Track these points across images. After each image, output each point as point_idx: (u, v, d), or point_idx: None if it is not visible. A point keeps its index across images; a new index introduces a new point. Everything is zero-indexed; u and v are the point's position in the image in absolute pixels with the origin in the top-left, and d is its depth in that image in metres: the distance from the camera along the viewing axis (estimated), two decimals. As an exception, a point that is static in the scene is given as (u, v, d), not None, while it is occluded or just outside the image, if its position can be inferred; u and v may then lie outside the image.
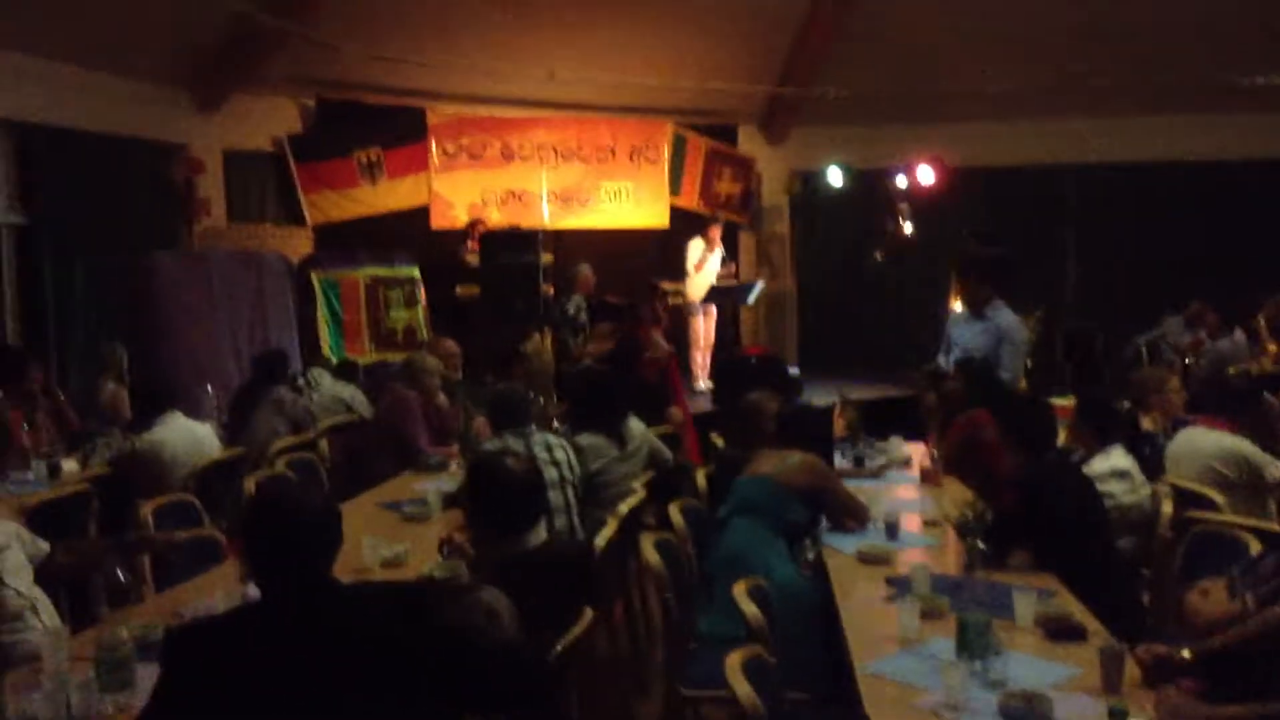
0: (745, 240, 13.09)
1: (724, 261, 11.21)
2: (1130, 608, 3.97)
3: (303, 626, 2.46)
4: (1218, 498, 4.69)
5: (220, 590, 3.59)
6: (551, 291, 10.75)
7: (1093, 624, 3.31)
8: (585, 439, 5.31)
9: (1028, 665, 3.02)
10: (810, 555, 4.44)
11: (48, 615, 3.52)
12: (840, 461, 5.73)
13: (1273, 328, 10.31)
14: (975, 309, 6.46)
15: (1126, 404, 5.57)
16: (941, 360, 6.57)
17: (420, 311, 10.21)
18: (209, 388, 7.47)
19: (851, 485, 4.98)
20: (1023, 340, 6.55)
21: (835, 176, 12.30)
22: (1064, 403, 6.45)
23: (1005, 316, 6.38)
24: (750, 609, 3.45)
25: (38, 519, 4.42)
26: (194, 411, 6.55)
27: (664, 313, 9.57)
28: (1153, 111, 12.14)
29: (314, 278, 9.69)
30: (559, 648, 3.08)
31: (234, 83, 10.47)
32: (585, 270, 9.45)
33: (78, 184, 8.91)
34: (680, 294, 11.26)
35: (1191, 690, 2.50)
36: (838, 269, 13.19)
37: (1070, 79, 11.68)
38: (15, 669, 3.10)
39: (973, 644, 3.01)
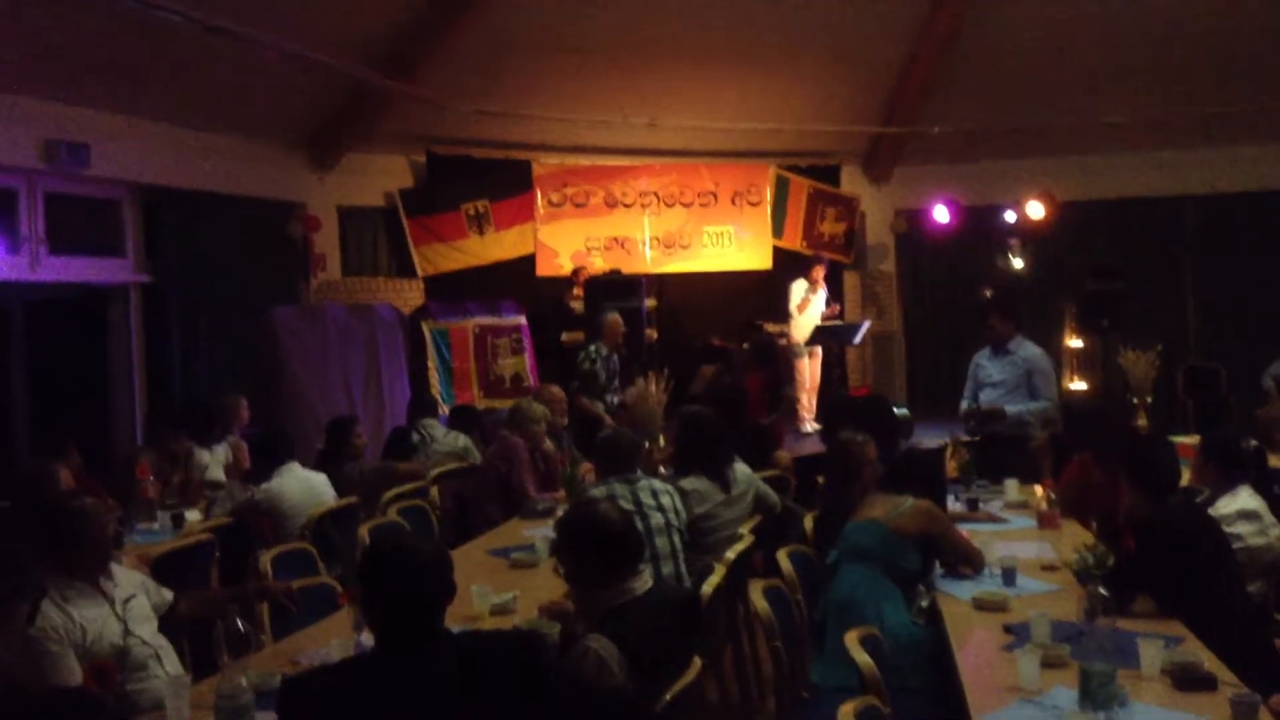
0: (850, 280, 12.99)
1: (828, 302, 11.13)
2: (1263, 655, 3.78)
3: (416, 675, 2.49)
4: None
5: (335, 638, 3.66)
6: (655, 336, 10.81)
7: (1223, 673, 3.16)
8: (690, 483, 5.29)
9: (1155, 716, 2.90)
10: (924, 602, 4.33)
11: (171, 664, 3.63)
12: (953, 505, 5.60)
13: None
14: (998, 346, 6.87)
15: (1253, 442, 5.34)
16: (966, 404, 6.90)
17: (526, 359, 10.35)
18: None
19: (965, 529, 4.86)
20: (1050, 367, 6.92)
21: (941, 214, 12.15)
22: (1187, 441, 6.21)
23: (1028, 349, 6.84)
24: (863, 658, 3.38)
25: (163, 568, 4.58)
26: (311, 461, 6.72)
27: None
28: (1273, 140, 11.69)
29: (425, 328, 9.92)
30: (668, 696, 3.06)
31: (348, 142, 10.84)
32: (613, 318, 8.95)
33: (201, 243, 9.29)
34: (785, 335, 11.21)
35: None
36: (946, 307, 12.97)
37: (1182, 108, 11.35)
38: (141, 716, 3.20)
39: (1096, 694, 2.90)
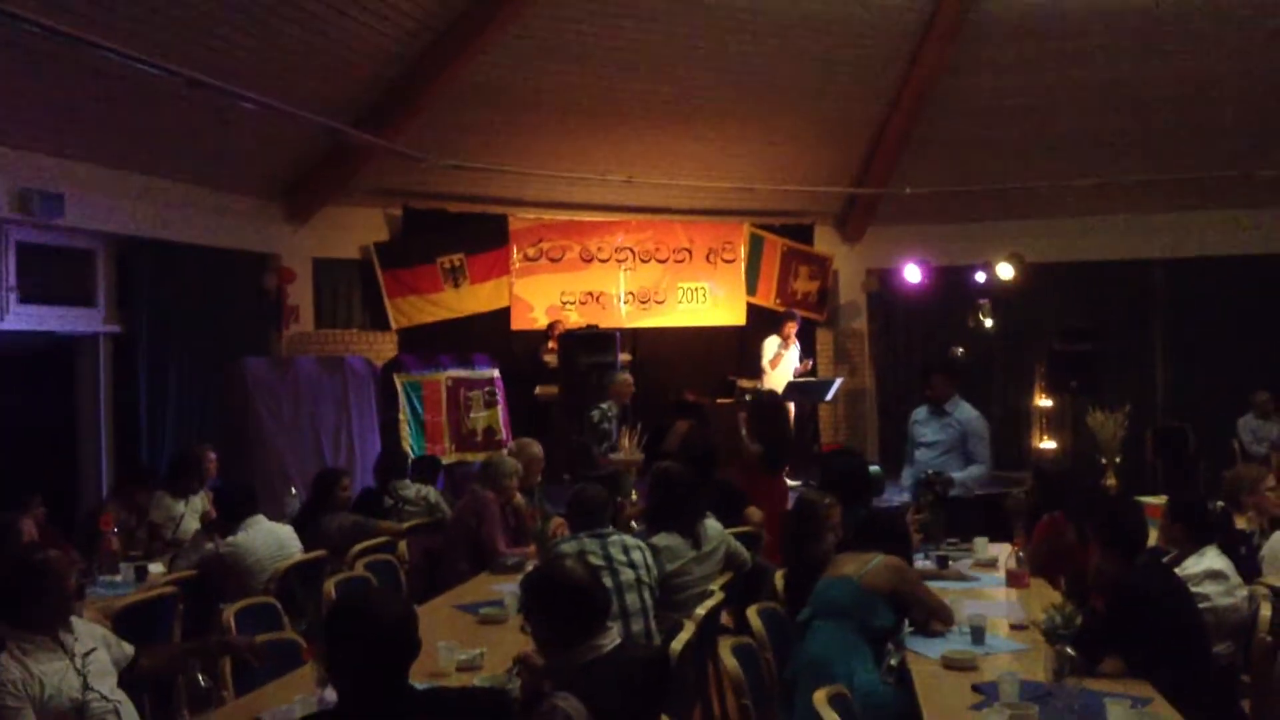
0: (823, 337, 13.09)
1: (801, 358, 11.20)
2: (1229, 716, 3.79)
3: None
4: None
5: (298, 694, 3.61)
6: (631, 390, 10.81)
7: (1191, 735, 3.16)
8: (662, 540, 5.27)
9: (1122, 779, 2.89)
10: (894, 661, 4.32)
11: (130, 719, 3.56)
12: (922, 563, 5.60)
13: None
14: (936, 406, 7.03)
15: (1220, 503, 5.38)
16: (911, 471, 6.99)
17: (499, 412, 10.33)
18: (294, 490, 7.60)
19: (935, 587, 4.87)
20: (985, 430, 7.06)
21: (912, 273, 12.28)
22: (1154, 502, 6.26)
23: (965, 410, 6.99)
24: (832, 717, 3.36)
25: (125, 621, 4.51)
26: (278, 514, 6.65)
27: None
28: (1240, 204, 11.92)
29: (397, 380, 9.89)
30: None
31: (324, 195, 10.86)
32: (623, 378, 9.22)
33: (174, 293, 9.25)
34: (759, 391, 11.23)
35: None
36: (917, 365, 13.06)
37: (1150, 175, 11.57)
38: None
39: (1063, 755, 2.89)
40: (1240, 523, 5.32)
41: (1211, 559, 4.49)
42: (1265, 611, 4.41)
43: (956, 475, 6.72)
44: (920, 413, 7.16)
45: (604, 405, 8.91)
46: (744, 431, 7.73)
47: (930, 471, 6.67)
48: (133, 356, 9.03)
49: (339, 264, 11.25)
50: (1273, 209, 11.90)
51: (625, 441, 8.53)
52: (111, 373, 9.08)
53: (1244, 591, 4.51)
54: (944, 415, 6.97)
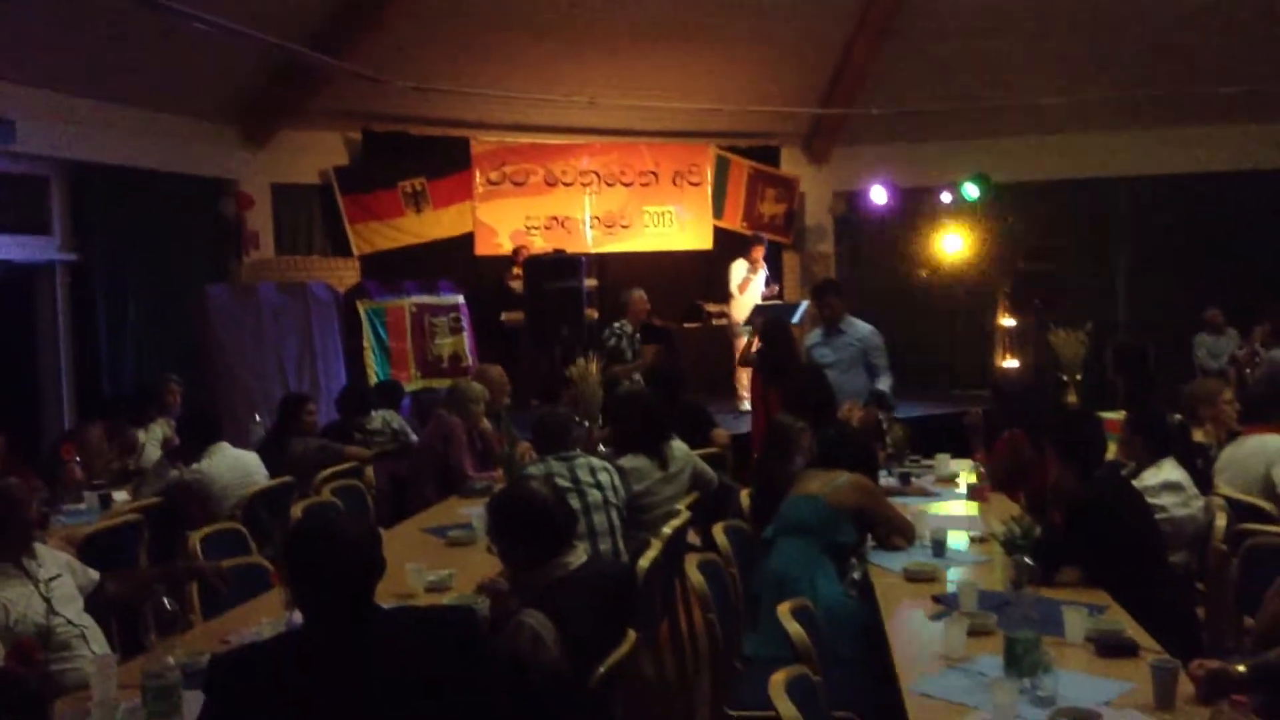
0: (789, 260, 13.08)
1: (768, 282, 11.19)
2: (1184, 623, 3.88)
3: (345, 652, 2.46)
4: (1271, 508, 4.59)
5: (266, 618, 3.63)
6: (596, 316, 10.79)
7: (1145, 640, 3.24)
8: (628, 461, 5.30)
9: (1078, 682, 2.96)
10: (856, 575, 4.39)
11: (98, 644, 3.57)
12: (886, 479, 5.68)
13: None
14: (833, 325, 7.09)
15: (1178, 417, 5.47)
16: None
17: (465, 338, 10.29)
18: (257, 417, 7.56)
19: (897, 503, 4.93)
20: (882, 342, 7.14)
21: (879, 195, 12.25)
22: (1114, 417, 6.35)
23: (859, 327, 7.11)
24: (795, 629, 3.41)
25: (90, 549, 4.49)
26: (244, 441, 6.63)
27: None
28: (1205, 122, 11.94)
29: (360, 307, 9.81)
30: (603, 670, 3.07)
31: (282, 118, 10.66)
32: (636, 295, 9.15)
33: (130, 221, 9.10)
34: (725, 315, 11.25)
35: (1245, 706, 2.43)
36: (883, 287, 13.11)
37: (1119, 92, 11.55)
38: (66, 696, 3.14)
39: (1021, 661, 2.96)
40: (1198, 436, 5.40)
41: (1169, 471, 4.56)
42: (1220, 521, 4.50)
43: (881, 388, 6.84)
44: (815, 336, 7.21)
45: (616, 324, 8.89)
46: (752, 350, 7.73)
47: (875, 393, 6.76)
48: (90, 285, 8.90)
49: (298, 189, 11.10)
50: (1236, 126, 11.93)
51: (590, 366, 8.54)
52: (69, 301, 8.95)
53: (1200, 502, 4.60)
54: (841, 334, 7.06)
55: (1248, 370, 9.61)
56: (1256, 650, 3.29)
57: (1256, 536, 4.20)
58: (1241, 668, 2.82)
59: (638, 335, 8.85)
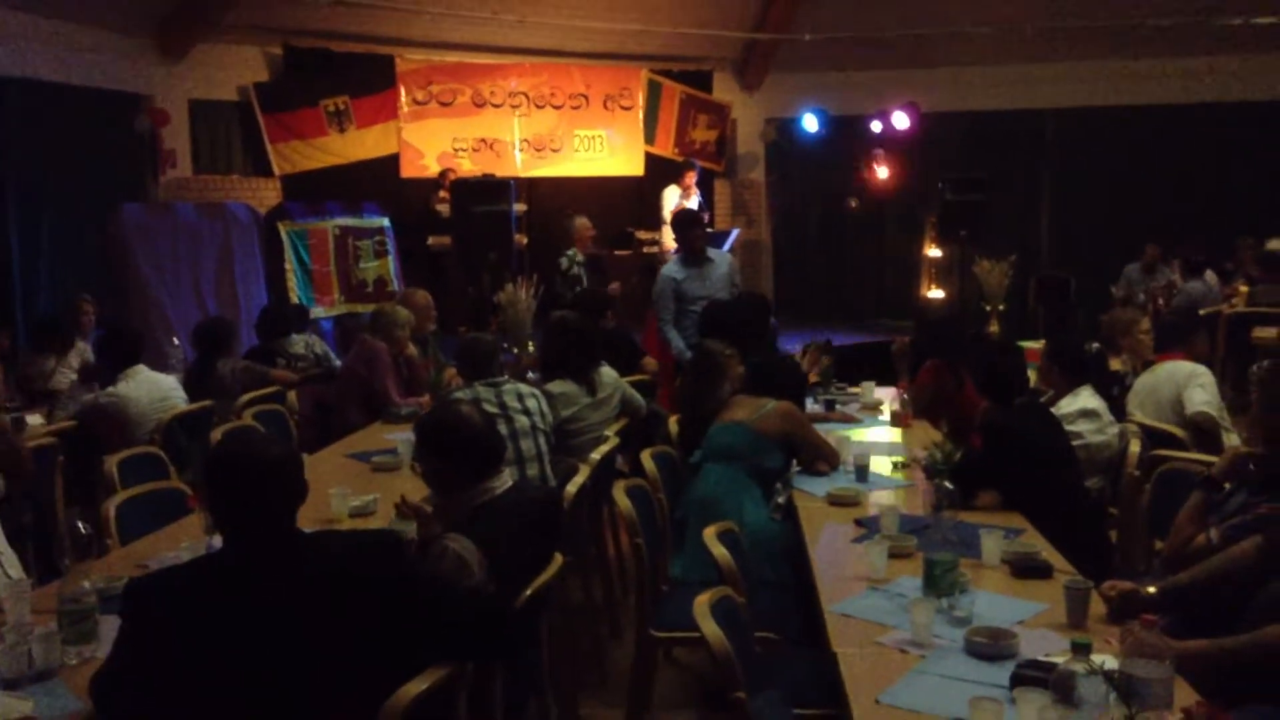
0: (721, 188, 13.03)
1: (701, 208, 11.14)
2: (1097, 546, 4.01)
3: (265, 575, 2.44)
4: (1182, 435, 4.73)
5: (185, 542, 3.57)
6: (525, 241, 10.68)
7: (1059, 562, 3.33)
8: (556, 386, 5.28)
9: (994, 603, 3.03)
10: (781, 499, 4.45)
11: (13, 568, 3.48)
12: (812, 406, 5.74)
13: (1243, 268, 10.39)
14: (699, 257, 6.97)
15: (1095, 346, 5.59)
16: (672, 331, 6.84)
17: (390, 262, 10.12)
18: (175, 340, 7.39)
19: (823, 429, 4.99)
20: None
21: (811, 123, 12.23)
22: (1035, 346, 6.47)
23: (722, 255, 7.20)
24: (720, 551, 3.44)
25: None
26: (161, 364, 6.47)
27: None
28: (1130, 55, 12.07)
29: (282, 229, 9.57)
30: (529, 594, 3.07)
31: (199, 31, 10.28)
32: (580, 223, 9.03)
33: (41, 136, 8.77)
34: (657, 242, 11.20)
35: (1154, 625, 2.51)
36: (813, 216, 13.17)
37: (1047, 23, 11.60)
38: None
39: (939, 582, 3.02)
40: (1115, 365, 5.52)
41: (1085, 399, 4.67)
42: (1134, 448, 4.63)
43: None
44: (678, 270, 6.95)
45: (570, 252, 8.77)
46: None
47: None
48: (1, 203, 8.56)
49: (217, 106, 10.76)
50: (1163, 60, 12.08)
51: (519, 292, 8.45)
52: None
53: (1115, 429, 4.71)
54: (710, 263, 6.98)
55: (1160, 301, 9.85)
56: (1165, 572, 3.40)
57: (1168, 462, 4.32)
58: (1152, 589, 2.91)
59: (586, 262, 8.79)
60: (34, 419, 5.81)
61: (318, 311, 9.56)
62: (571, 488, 4.31)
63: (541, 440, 4.84)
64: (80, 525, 3.13)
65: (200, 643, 2.38)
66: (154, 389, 5.66)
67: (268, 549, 2.47)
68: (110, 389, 5.56)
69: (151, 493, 4.04)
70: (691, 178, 11.03)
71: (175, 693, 2.38)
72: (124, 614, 2.44)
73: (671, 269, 7.05)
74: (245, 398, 6.04)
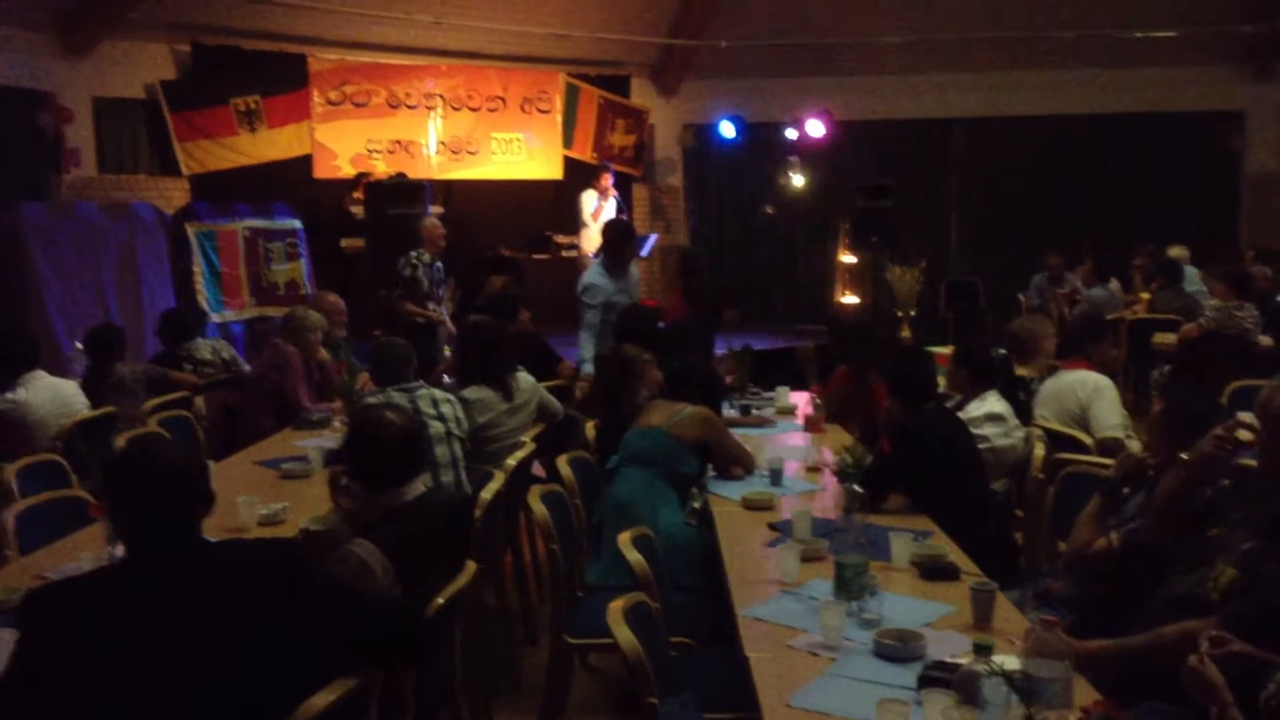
0: (639, 193, 13.07)
1: (619, 210, 11.15)
2: (1003, 547, 4.10)
3: (166, 584, 2.38)
4: (1087, 439, 4.86)
5: (87, 552, 3.47)
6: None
7: (965, 564, 3.39)
8: (472, 392, 5.24)
9: (903, 604, 3.08)
10: (697, 504, 4.47)
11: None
12: (727, 411, 5.77)
13: (1145, 276, 10.71)
14: (622, 267, 7.03)
15: (1003, 351, 5.70)
16: (590, 337, 6.82)
17: (302, 265, 9.95)
18: (78, 344, 7.16)
19: (738, 434, 5.02)
20: None
21: (727, 129, 12.34)
22: (944, 351, 6.60)
23: (632, 266, 7.26)
24: (634, 557, 3.45)
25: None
26: (61, 369, 6.28)
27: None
28: (1036, 66, 12.40)
29: (189, 230, 9.35)
30: (440, 600, 3.04)
31: (104, 27, 10.02)
32: (429, 223, 8.51)
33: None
34: (575, 246, 11.19)
35: (1057, 625, 2.57)
36: (730, 221, 13.28)
37: (956, 34, 11.87)
38: None
39: (850, 584, 3.06)
40: (1022, 371, 5.64)
41: (992, 403, 4.77)
42: (1039, 451, 4.74)
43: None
44: (601, 279, 6.94)
45: (413, 253, 8.52)
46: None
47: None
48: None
49: (123, 104, 10.47)
50: (1069, 71, 12.42)
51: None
52: None
53: (1021, 433, 4.83)
54: (627, 274, 7.06)
55: (1067, 309, 10.12)
56: (1067, 573, 3.50)
57: (1072, 465, 4.43)
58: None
59: (438, 265, 8.54)
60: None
61: (227, 315, 9.36)
62: (486, 494, 4.29)
63: (456, 446, 4.80)
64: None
65: (100, 655, 2.32)
66: (54, 395, 5.49)
67: (170, 558, 2.41)
68: (9, 395, 5.38)
69: (52, 501, 3.93)
70: (607, 180, 11.04)
71: (73, 707, 2.31)
72: (21, 624, 2.37)
73: (599, 275, 6.99)
74: (150, 403, 5.89)
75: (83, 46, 10.04)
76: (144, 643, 2.32)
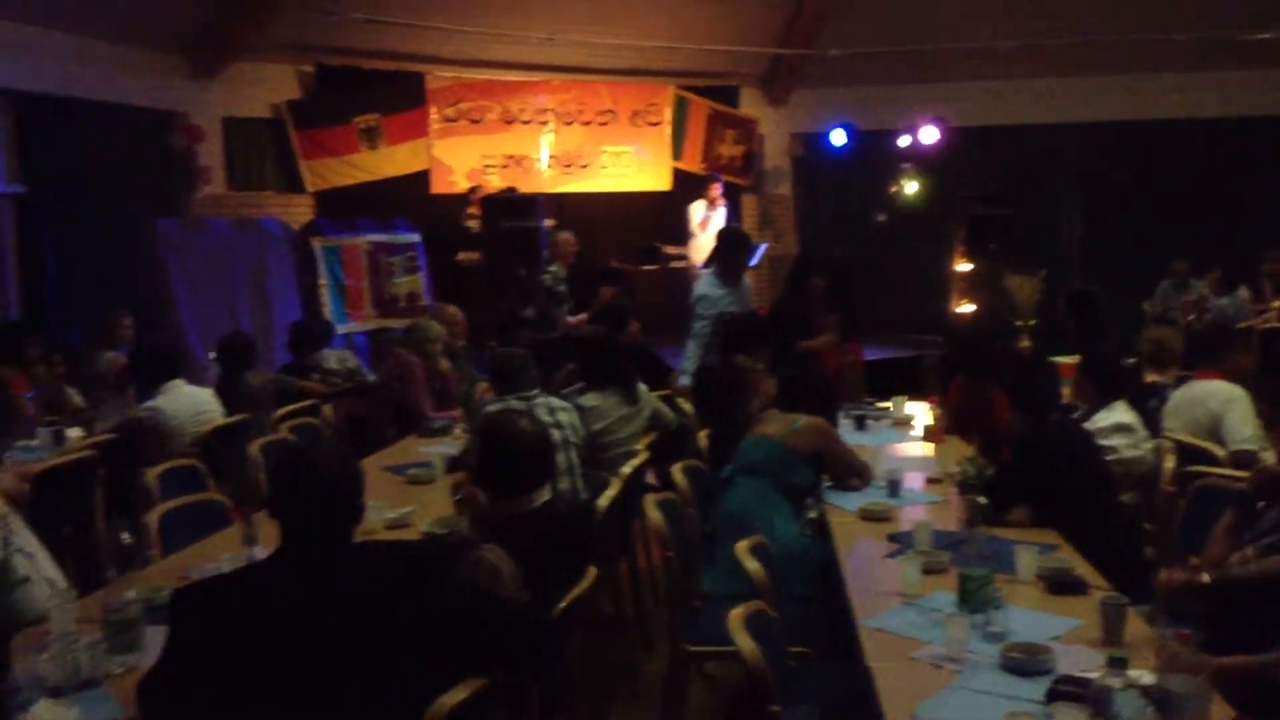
0: (748, 203, 13.05)
1: (728, 220, 11.17)
2: (1132, 561, 3.99)
3: (307, 583, 2.47)
4: (1218, 451, 4.70)
5: (226, 553, 3.61)
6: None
7: (1094, 578, 3.32)
8: (590, 400, 5.31)
9: (1029, 619, 3.03)
10: (813, 514, 4.45)
11: (54, 577, 3.53)
12: (843, 421, 5.74)
13: (1276, 283, 10.30)
14: (738, 278, 7.10)
15: (1131, 360, 5.55)
16: (697, 347, 6.83)
17: (421, 278, 10.20)
18: (211, 354, 7.46)
19: (854, 444, 4.99)
20: None
21: (838, 137, 12.24)
22: (1068, 361, 6.45)
23: (746, 280, 7.32)
24: (753, 565, 3.46)
25: (45, 484, 4.44)
26: (194, 379, 6.55)
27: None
28: (1156, 69, 12.04)
29: (315, 245, 9.67)
30: (561, 606, 3.09)
31: (232, 49, 10.41)
32: (565, 237, 9.01)
33: (77, 153, 8.88)
34: (684, 257, 11.24)
35: (1190, 640, 2.51)
36: (841, 231, 13.14)
37: (1073, 38, 11.60)
38: (23, 631, 3.11)
39: (974, 597, 3.02)
40: (1152, 378, 5.48)
41: (1120, 413, 4.65)
42: (1169, 463, 4.61)
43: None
44: (714, 289, 6.95)
45: (553, 268, 8.78)
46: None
47: None
48: (37, 218, 8.69)
49: (250, 123, 10.85)
50: (1188, 74, 12.02)
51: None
52: (17, 234, 8.73)
53: (1150, 444, 4.69)
54: (741, 284, 7.09)
55: (1192, 317, 9.78)
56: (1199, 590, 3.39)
57: (1204, 478, 4.29)
58: (1206, 577, 2.89)
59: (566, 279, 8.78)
60: (74, 432, 5.90)
61: (351, 326, 9.65)
62: (603, 501, 4.34)
63: (574, 454, 4.88)
64: (123, 536, 3.19)
65: (243, 651, 2.42)
66: (191, 403, 5.74)
67: (314, 559, 2.50)
68: (149, 403, 5.64)
69: (191, 505, 4.10)
70: (716, 189, 11.06)
71: (219, 699, 2.41)
72: (173, 621, 2.48)
73: (713, 286, 7.01)
74: (280, 411, 6.11)
75: (212, 69, 10.45)
76: (285, 639, 2.41)
